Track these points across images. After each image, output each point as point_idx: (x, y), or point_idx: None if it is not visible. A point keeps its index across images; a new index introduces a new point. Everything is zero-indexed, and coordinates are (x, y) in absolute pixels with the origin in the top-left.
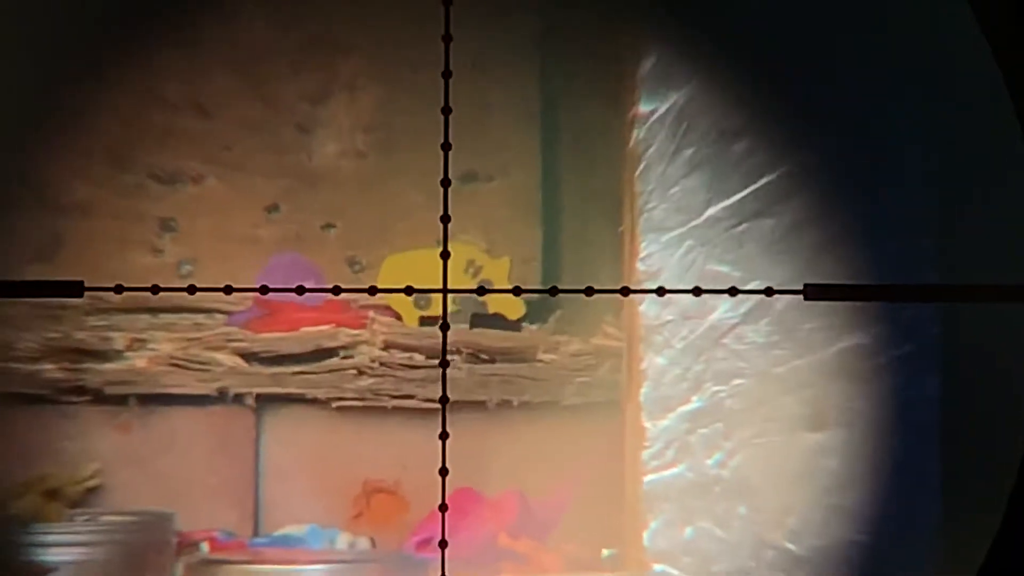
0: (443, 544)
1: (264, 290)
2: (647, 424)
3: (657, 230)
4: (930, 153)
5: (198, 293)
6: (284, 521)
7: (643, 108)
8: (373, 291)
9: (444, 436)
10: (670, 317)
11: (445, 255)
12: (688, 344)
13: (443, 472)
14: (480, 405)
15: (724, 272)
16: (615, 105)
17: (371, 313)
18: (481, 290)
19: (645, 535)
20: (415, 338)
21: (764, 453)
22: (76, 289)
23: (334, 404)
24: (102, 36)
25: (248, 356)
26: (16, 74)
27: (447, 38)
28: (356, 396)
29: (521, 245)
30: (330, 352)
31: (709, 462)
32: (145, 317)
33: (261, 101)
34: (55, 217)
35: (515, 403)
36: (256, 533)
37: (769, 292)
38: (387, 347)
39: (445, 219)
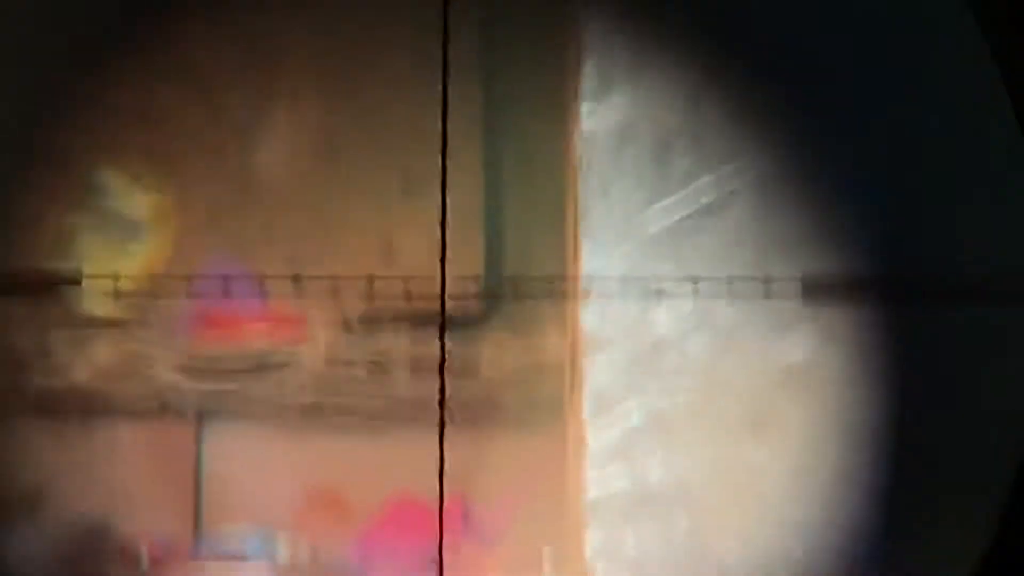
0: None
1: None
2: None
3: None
4: (929, 151)
5: None
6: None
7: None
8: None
9: None
10: (612, 328)
11: (443, 255)
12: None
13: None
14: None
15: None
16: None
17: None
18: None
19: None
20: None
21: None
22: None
23: (277, 415)
24: None
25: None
26: None
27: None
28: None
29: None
30: (273, 364)
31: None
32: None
33: None
34: None
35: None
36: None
37: (767, 281)
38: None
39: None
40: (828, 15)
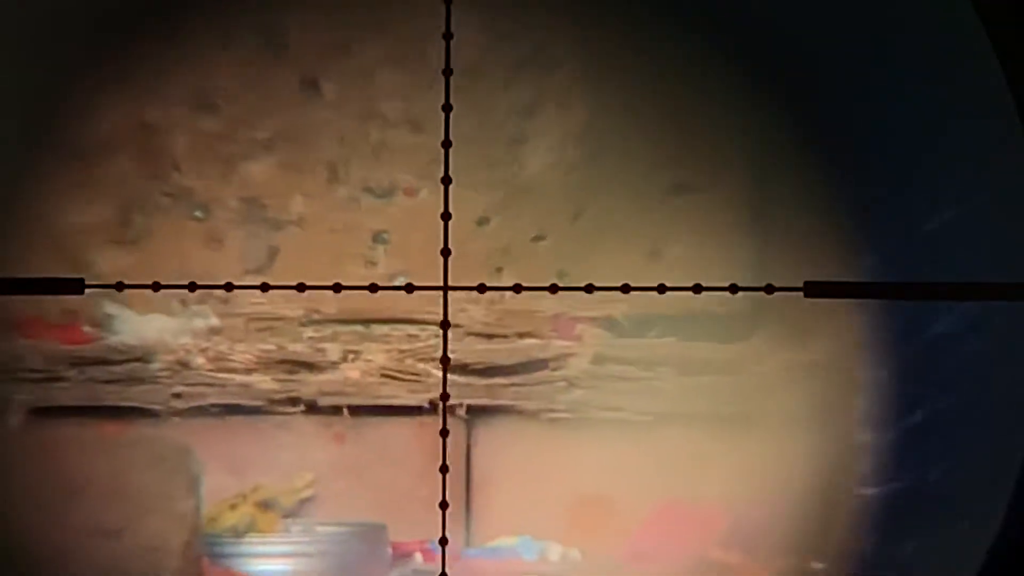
0: (443, 541)
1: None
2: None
3: None
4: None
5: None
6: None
7: None
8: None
9: None
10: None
11: (446, 252)
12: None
13: None
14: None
15: None
16: None
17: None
18: (482, 288)
19: None
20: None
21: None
22: (77, 287)
23: (544, 416)
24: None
25: (460, 368)
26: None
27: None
28: (566, 408)
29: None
30: (541, 364)
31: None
32: (359, 328)
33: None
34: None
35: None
36: (468, 544)
37: (770, 289)
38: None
39: (446, 216)
40: (830, 16)
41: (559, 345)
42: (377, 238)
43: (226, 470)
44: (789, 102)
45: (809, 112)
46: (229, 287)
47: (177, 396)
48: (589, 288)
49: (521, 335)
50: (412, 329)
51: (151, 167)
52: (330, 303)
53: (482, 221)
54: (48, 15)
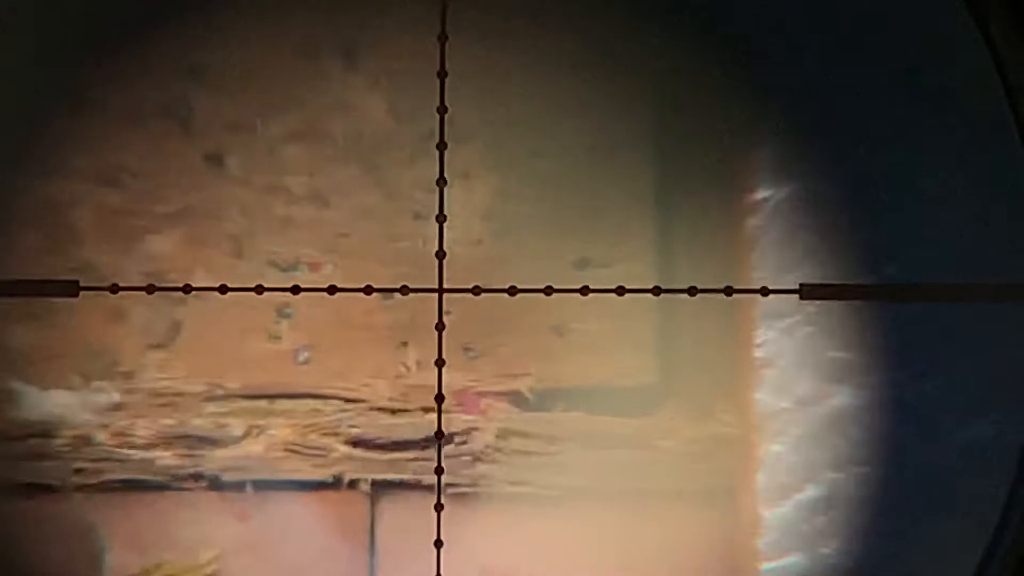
0: (439, 544)
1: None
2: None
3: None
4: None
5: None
6: None
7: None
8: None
9: None
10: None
11: (441, 254)
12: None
13: None
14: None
15: (841, 357)
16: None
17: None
18: (477, 289)
19: None
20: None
21: None
22: (72, 289)
23: (449, 491)
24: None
25: (363, 443)
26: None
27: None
28: (470, 483)
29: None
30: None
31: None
32: (263, 404)
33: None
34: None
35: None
36: None
37: (765, 292)
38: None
39: (441, 218)
40: (826, 17)
41: (464, 420)
42: (281, 312)
43: (129, 546)
44: None
45: None
46: (223, 289)
47: (79, 472)
48: (584, 291)
49: (426, 410)
50: (316, 404)
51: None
52: (234, 378)
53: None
54: None
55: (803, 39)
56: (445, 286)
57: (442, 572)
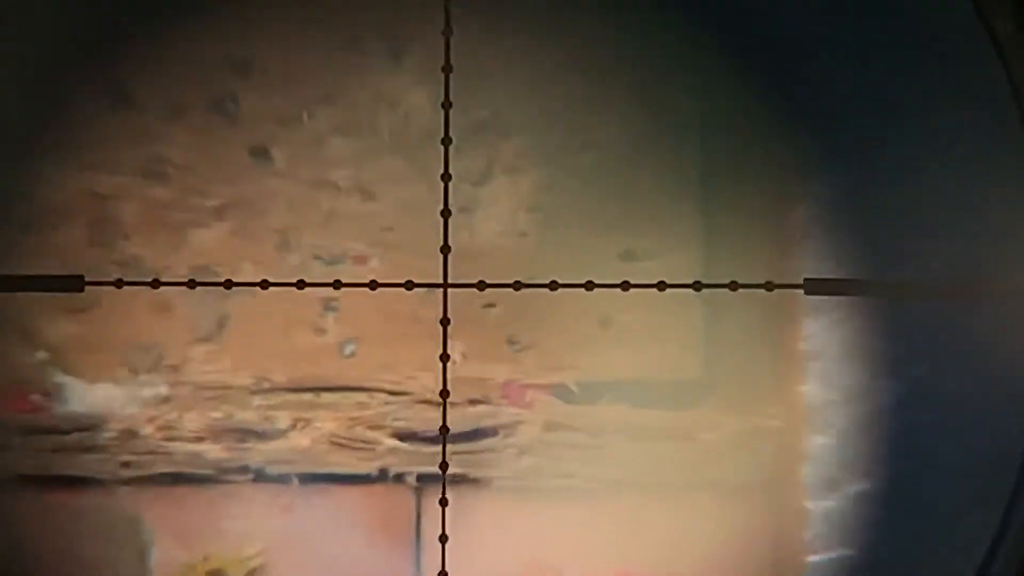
0: (443, 539)
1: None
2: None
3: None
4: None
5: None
6: None
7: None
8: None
9: None
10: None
11: (446, 249)
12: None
13: None
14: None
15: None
16: None
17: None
18: (482, 284)
19: None
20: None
21: None
22: (77, 284)
23: (495, 484)
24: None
25: (409, 436)
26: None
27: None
28: (516, 476)
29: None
30: (491, 431)
31: None
32: (308, 396)
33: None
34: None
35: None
36: None
37: (770, 287)
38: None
39: (446, 213)
40: (829, 17)
41: (509, 412)
42: (327, 306)
43: (175, 539)
44: None
45: None
46: (228, 284)
47: (126, 465)
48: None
49: (472, 402)
50: (361, 397)
51: (100, 235)
52: (280, 371)
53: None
54: None
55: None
56: (485, 280)
57: (483, 565)
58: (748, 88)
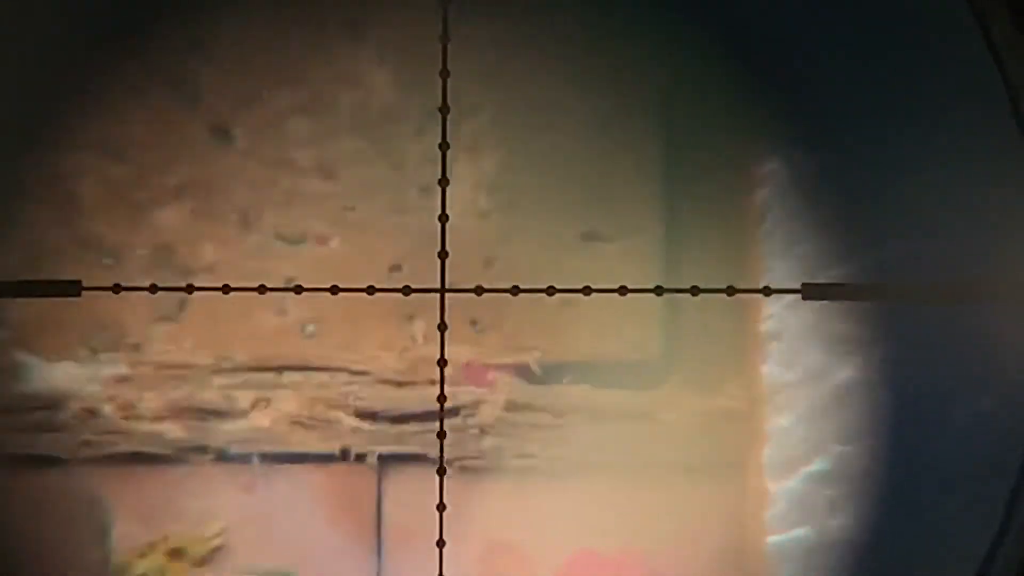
0: (441, 544)
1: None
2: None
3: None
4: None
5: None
6: None
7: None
8: (371, 291)
9: None
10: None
11: (443, 254)
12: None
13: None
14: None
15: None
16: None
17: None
18: (479, 289)
19: None
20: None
21: None
22: (74, 289)
23: (456, 464)
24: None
25: (369, 415)
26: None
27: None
28: (478, 456)
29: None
30: (452, 411)
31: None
32: (270, 376)
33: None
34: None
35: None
36: None
37: (767, 291)
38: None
39: (443, 218)
40: (828, 19)
41: (471, 392)
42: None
43: (136, 519)
44: None
45: None
46: (226, 289)
47: (86, 444)
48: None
49: (432, 382)
50: (323, 376)
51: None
52: (241, 350)
53: (393, 268)
54: None
55: (802, 34)
56: (449, 257)
57: (446, 542)
58: (742, 94)
